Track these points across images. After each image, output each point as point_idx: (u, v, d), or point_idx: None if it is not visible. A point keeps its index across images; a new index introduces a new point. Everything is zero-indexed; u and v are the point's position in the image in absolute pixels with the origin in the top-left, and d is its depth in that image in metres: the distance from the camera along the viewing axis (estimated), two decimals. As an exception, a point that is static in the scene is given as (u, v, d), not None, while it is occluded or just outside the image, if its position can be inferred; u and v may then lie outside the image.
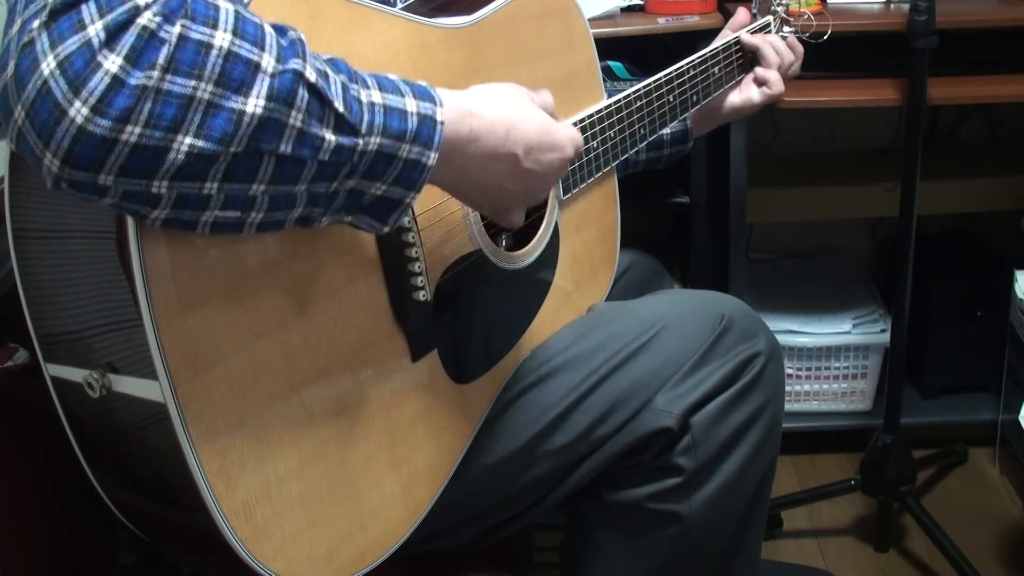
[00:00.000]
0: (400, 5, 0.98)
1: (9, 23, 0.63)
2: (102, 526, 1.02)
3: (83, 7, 0.61)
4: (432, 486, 0.98)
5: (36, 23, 0.61)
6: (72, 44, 0.60)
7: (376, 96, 0.74)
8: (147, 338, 0.71)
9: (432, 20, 0.96)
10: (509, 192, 0.89)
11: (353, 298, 0.87)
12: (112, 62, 0.60)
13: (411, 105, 0.76)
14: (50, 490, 1.03)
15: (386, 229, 0.80)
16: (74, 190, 0.63)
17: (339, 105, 0.70)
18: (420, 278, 0.94)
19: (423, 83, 0.79)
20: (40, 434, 0.96)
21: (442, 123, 0.77)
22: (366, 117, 0.72)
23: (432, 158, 0.77)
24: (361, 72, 0.75)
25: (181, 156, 0.63)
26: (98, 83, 0.60)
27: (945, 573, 1.74)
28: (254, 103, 0.65)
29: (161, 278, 0.71)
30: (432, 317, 0.96)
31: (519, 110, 0.88)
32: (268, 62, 0.66)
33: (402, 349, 0.93)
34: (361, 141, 0.72)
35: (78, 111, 0.60)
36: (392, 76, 0.77)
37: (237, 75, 0.65)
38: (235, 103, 0.65)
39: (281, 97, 0.66)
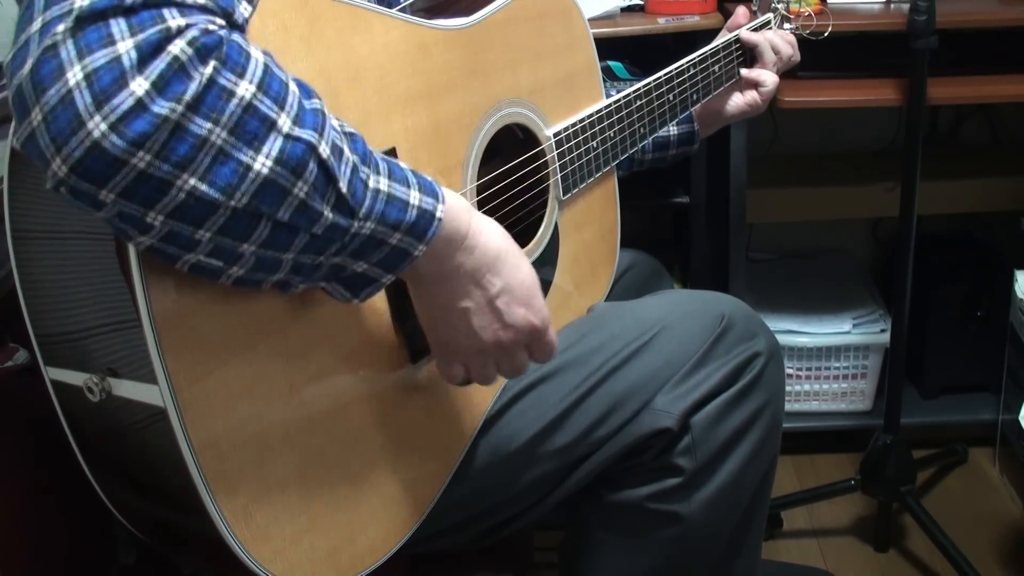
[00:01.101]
0: (398, 7, 0.98)
1: (27, 20, 0.63)
2: (102, 525, 1.02)
3: (112, 21, 0.61)
4: (432, 487, 0.98)
5: (61, 27, 0.61)
6: (101, 58, 0.60)
7: (383, 184, 0.75)
8: (147, 342, 0.71)
9: (431, 22, 0.96)
10: (467, 326, 0.86)
11: (353, 300, 0.87)
12: (139, 85, 0.61)
13: (414, 198, 0.77)
14: (50, 489, 1.03)
15: (356, 302, 0.81)
16: (72, 197, 0.63)
17: (343, 186, 0.71)
18: (420, 279, 0.93)
19: (430, 178, 0.80)
20: (40, 434, 0.96)
21: (440, 220, 0.79)
22: (367, 203, 0.73)
23: (420, 250, 0.79)
24: (375, 154, 0.76)
25: (182, 195, 0.64)
26: (122, 102, 0.60)
27: (945, 573, 1.75)
28: (262, 161, 0.66)
29: (160, 282, 0.71)
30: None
31: (514, 251, 0.88)
32: (284, 122, 0.67)
33: (401, 351, 0.93)
34: (356, 224, 0.73)
35: (96, 125, 0.60)
36: (403, 165, 0.79)
37: (251, 128, 0.65)
38: (244, 155, 0.65)
39: (290, 165, 0.67)
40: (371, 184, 0.74)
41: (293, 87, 0.69)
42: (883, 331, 2.01)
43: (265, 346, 0.79)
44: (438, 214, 0.79)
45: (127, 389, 0.76)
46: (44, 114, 0.60)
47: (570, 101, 1.16)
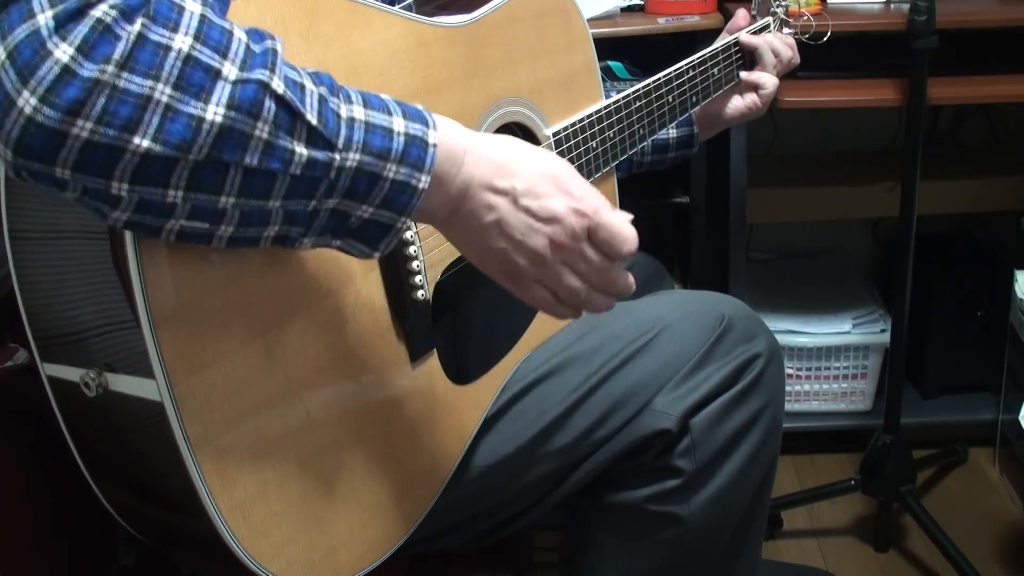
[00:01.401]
0: (399, 4, 0.98)
1: None
2: (102, 526, 1.02)
3: None
4: (431, 487, 0.98)
5: None
6: (21, 33, 0.59)
7: (358, 112, 0.72)
8: (144, 337, 0.71)
9: (431, 19, 0.96)
10: (508, 239, 0.79)
11: (351, 298, 0.87)
12: (63, 51, 0.59)
13: (398, 125, 0.73)
14: (50, 490, 1.03)
15: (377, 255, 0.77)
16: (35, 181, 0.62)
17: (311, 118, 0.68)
18: (419, 277, 0.93)
19: (419, 106, 0.76)
20: (40, 434, 0.96)
21: (434, 145, 0.74)
22: (343, 132, 0.70)
23: (424, 181, 0.74)
24: (348, 88, 0.73)
25: (136, 158, 0.62)
26: (47, 72, 0.59)
27: (945, 573, 1.74)
28: (213, 110, 0.64)
29: (158, 277, 0.71)
30: (431, 317, 0.96)
31: (527, 150, 0.81)
32: (229, 69, 0.65)
33: (401, 349, 0.93)
34: (338, 156, 0.70)
35: (26, 101, 0.59)
36: (384, 96, 0.75)
37: (196, 80, 0.63)
38: (193, 108, 0.63)
39: (244, 107, 0.65)
40: (343, 113, 0.71)
41: (239, 34, 0.66)
42: (883, 331, 2.01)
43: (263, 342, 0.79)
44: (431, 139, 0.74)
45: (124, 384, 0.76)
46: None
47: (569, 101, 1.16)
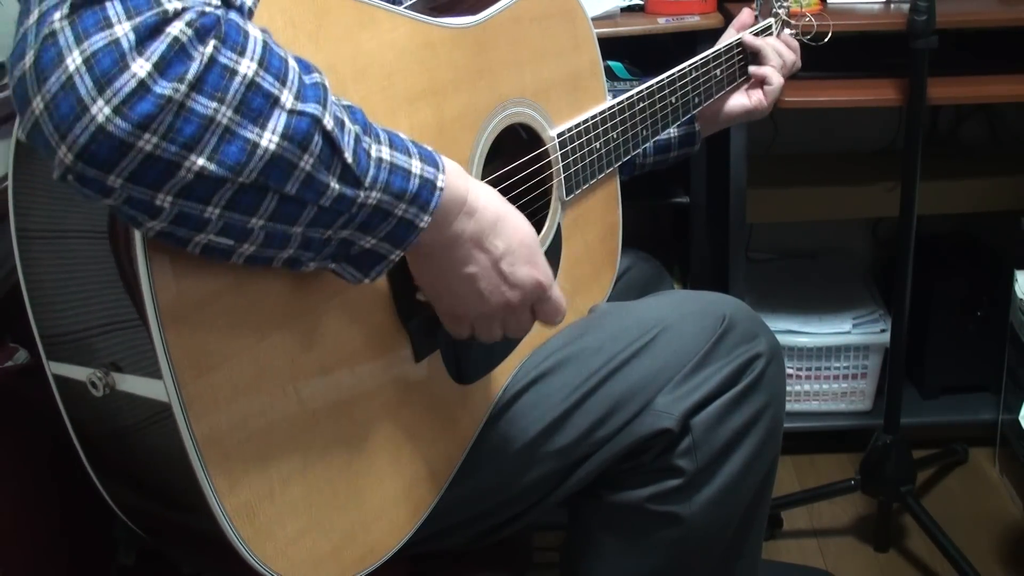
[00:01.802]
0: (406, 4, 0.98)
1: (25, 14, 0.63)
2: (102, 526, 1.02)
3: (108, 4, 0.61)
4: (434, 487, 0.98)
5: (58, 15, 0.61)
6: (99, 41, 0.60)
7: (385, 153, 0.75)
8: (152, 337, 0.71)
9: (438, 19, 0.96)
10: (474, 290, 0.87)
11: (356, 298, 0.87)
12: (140, 67, 0.61)
13: (416, 167, 0.77)
14: (50, 490, 1.03)
15: (367, 281, 0.81)
16: (80, 185, 0.63)
17: (348, 156, 0.71)
18: (423, 278, 0.94)
19: (429, 148, 0.80)
20: (40, 434, 0.96)
21: (441, 189, 0.79)
22: (371, 172, 0.74)
23: (425, 221, 0.79)
24: (375, 125, 0.76)
25: (191, 176, 0.64)
26: (124, 85, 0.60)
27: (945, 573, 1.75)
28: (268, 137, 0.66)
29: (166, 277, 0.71)
30: (435, 317, 0.96)
31: (512, 212, 0.89)
32: (287, 97, 0.67)
33: (405, 349, 0.93)
34: (363, 194, 0.73)
35: (100, 109, 0.60)
36: (402, 135, 0.79)
37: (256, 105, 0.65)
38: (250, 133, 0.65)
39: (296, 139, 0.67)
40: (374, 153, 0.74)
41: (292, 63, 0.69)
42: (883, 331, 2.01)
43: (269, 342, 0.79)
44: (439, 183, 0.79)
45: (131, 384, 0.76)
46: (46, 102, 0.60)
47: (574, 102, 1.16)
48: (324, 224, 0.73)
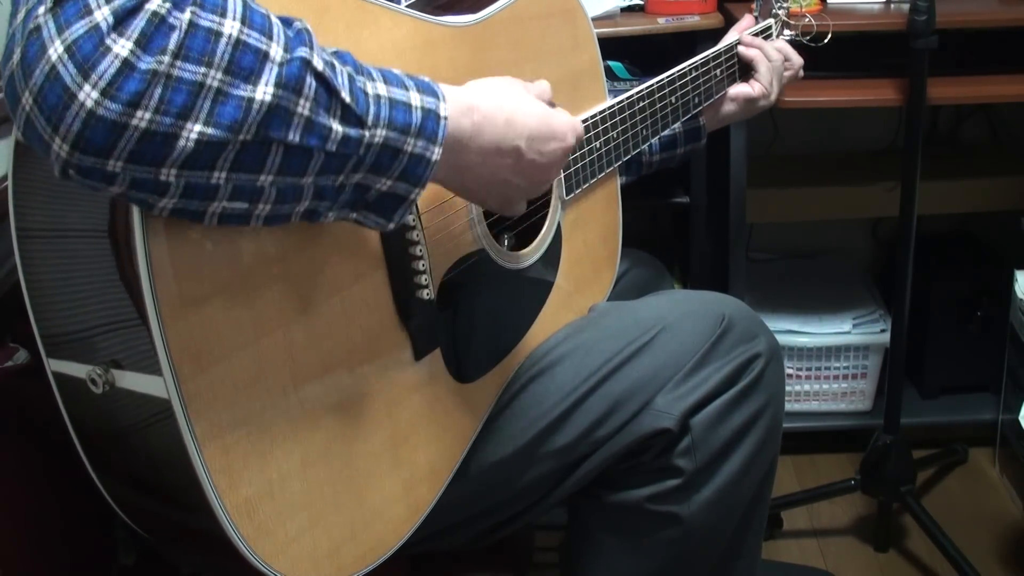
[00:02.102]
0: (406, 3, 0.98)
1: (13, 15, 0.63)
2: (102, 526, 1.02)
3: None
4: (433, 485, 0.98)
5: (41, 9, 0.61)
6: (79, 28, 0.60)
7: (382, 89, 0.74)
8: (152, 334, 0.71)
9: (438, 18, 0.96)
10: (513, 186, 0.89)
11: (357, 296, 0.87)
12: (122, 46, 0.61)
13: (415, 99, 0.76)
14: (50, 490, 1.03)
15: (391, 226, 0.80)
16: (82, 176, 0.63)
17: (346, 95, 0.71)
18: (424, 276, 0.94)
19: (426, 78, 0.79)
20: (40, 434, 0.96)
21: (445, 118, 0.78)
22: (372, 109, 0.73)
23: (436, 153, 0.77)
24: (366, 65, 0.75)
25: (191, 144, 0.63)
26: (108, 67, 0.60)
27: (945, 573, 1.75)
28: (263, 91, 0.66)
29: (166, 274, 0.71)
30: (435, 316, 0.96)
31: (518, 102, 0.88)
32: (276, 51, 0.67)
33: (405, 348, 0.93)
34: (367, 133, 0.72)
35: (88, 95, 0.60)
36: (396, 70, 0.78)
37: (246, 63, 0.65)
38: (244, 91, 0.65)
39: (290, 85, 0.67)
40: (370, 90, 0.73)
41: (274, 18, 0.69)
42: (883, 331, 2.01)
43: (269, 340, 0.79)
44: (442, 113, 0.78)
45: (131, 381, 0.76)
46: (34, 95, 0.60)
47: (574, 101, 1.16)
48: (334, 170, 0.72)
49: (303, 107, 0.68)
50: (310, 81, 0.68)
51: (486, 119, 0.84)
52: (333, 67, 0.71)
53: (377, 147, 0.74)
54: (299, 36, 0.69)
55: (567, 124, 0.93)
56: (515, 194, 0.91)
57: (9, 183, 0.80)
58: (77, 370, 0.80)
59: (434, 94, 0.78)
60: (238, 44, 0.65)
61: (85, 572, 1.07)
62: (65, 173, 0.63)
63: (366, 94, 0.73)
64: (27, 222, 0.80)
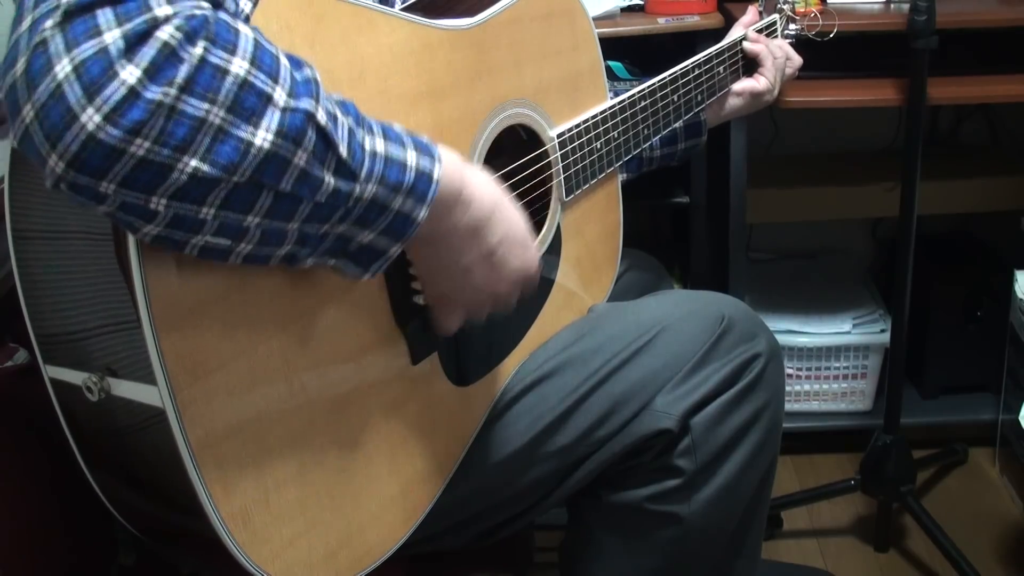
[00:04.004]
0: (400, 6, 0.98)
1: (17, 20, 0.62)
2: (102, 526, 1.02)
3: (99, 12, 0.61)
4: (430, 488, 0.98)
5: (49, 23, 0.60)
6: (88, 49, 0.60)
7: (380, 145, 0.75)
8: (146, 343, 0.71)
9: (436, 22, 0.95)
10: (468, 281, 0.88)
11: (353, 301, 0.87)
12: (130, 73, 0.60)
13: (411, 159, 0.76)
14: (50, 490, 1.03)
15: (367, 276, 0.80)
16: (73, 193, 0.63)
17: (343, 150, 0.71)
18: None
19: (425, 138, 0.80)
20: (40, 434, 0.96)
21: (438, 181, 0.78)
22: (366, 164, 0.73)
23: (423, 214, 0.78)
24: (368, 118, 0.76)
25: (185, 177, 0.63)
26: (113, 92, 0.60)
27: (945, 573, 1.75)
28: (263, 136, 0.65)
29: (161, 282, 0.71)
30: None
31: (507, 202, 0.89)
32: (280, 95, 0.67)
33: (402, 352, 0.93)
34: (358, 187, 0.73)
35: (90, 118, 0.60)
36: (397, 126, 0.78)
37: (250, 104, 0.65)
38: (244, 132, 0.65)
39: (290, 135, 0.67)
40: (368, 146, 0.73)
41: (284, 59, 0.68)
42: (883, 331, 2.01)
43: (265, 347, 0.79)
44: (435, 175, 0.78)
45: (126, 389, 0.76)
46: (36, 110, 0.60)
47: (574, 102, 1.16)
48: (320, 219, 0.73)
49: (300, 158, 0.68)
50: (311, 135, 0.68)
51: (475, 198, 0.84)
52: (335, 119, 0.71)
53: (366, 202, 0.74)
54: (307, 84, 0.69)
55: (538, 258, 0.93)
56: (463, 293, 0.89)
57: (5, 184, 0.80)
58: (73, 377, 0.80)
59: (431, 156, 0.78)
60: (244, 84, 0.65)
61: (85, 572, 1.07)
62: (56, 187, 0.63)
63: (363, 149, 0.73)
64: (24, 224, 0.80)
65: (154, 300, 0.70)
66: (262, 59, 0.66)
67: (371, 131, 0.75)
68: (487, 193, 0.86)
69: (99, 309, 0.76)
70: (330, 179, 0.70)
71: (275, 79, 0.67)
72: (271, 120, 0.66)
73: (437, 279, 0.89)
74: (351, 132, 0.72)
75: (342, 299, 0.86)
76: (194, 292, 0.73)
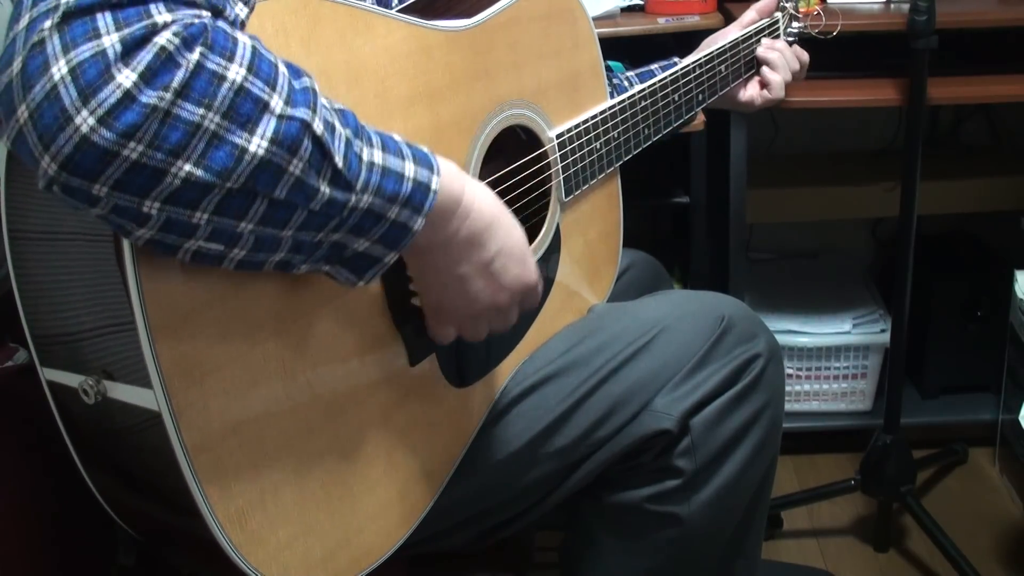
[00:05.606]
0: (396, 8, 0.98)
1: (15, 18, 0.62)
2: (101, 526, 1.02)
3: (99, 15, 0.61)
4: (429, 490, 0.98)
5: (47, 23, 0.60)
6: (85, 51, 0.60)
7: (377, 156, 0.75)
8: (141, 346, 0.70)
9: (433, 23, 0.95)
10: (464, 291, 0.87)
11: (351, 303, 0.87)
12: (126, 77, 0.60)
13: (409, 170, 0.76)
14: (50, 490, 1.03)
15: (361, 283, 0.80)
16: (66, 195, 0.63)
17: (339, 160, 0.71)
18: (419, 281, 0.93)
19: (425, 149, 0.80)
20: (40, 434, 0.96)
21: (436, 192, 0.78)
22: (363, 175, 0.73)
23: (419, 223, 0.78)
24: (367, 128, 0.76)
25: (178, 181, 0.63)
26: (109, 95, 0.60)
27: (945, 573, 1.74)
28: (257, 143, 0.65)
29: (156, 285, 0.71)
30: (431, 321, 0.96)
31: (505, 212, 0.88)
32: (277, 103, 0.67)
33: (400, 353, 0.93)
34: (354, 197, 0.73)
35: (84, 120, 0.60)
36: (397, 137, 0.78)
37: (245, 111, 0.65)
38: (239, 138, 0.65)
39: (285, 144, 0.67)
40: (365, 157, 0.73)
41: (282, 67, 0.68)
42: (883, 331, 2.01)
43: (261, 349, 0.79)
44: (433, 186, 0.78)
45: (122, 392, 0.76)
46: (30, 111, 0.60)
47: (574, 102, 1.15)
48: (315, 227, 0.73)
49: (295, 167, 0.68)
50: (307, 144, 0.68)
51: (474, 209, 0.84)
52: (332, 129, 0.71)
53: (361, 211, 0.74)
54: (304, 93, 0.69)
55: (536, 268, 0.92)
56: (459, 303, 0.88)
57: (2, 185, 0.80)
58: (69, 380, 0.80)
59: (430, 167, 0.78)
60: (240, 90, 0.65)
61: (85, 572, 1.07)
62: (49, 188, 0.63)
63: (360, 160, 0.73)
64: (20, 224, 0.80)
65: (150, 304, 0.70)
66: (260, 66, 0.66)
67: (369, 142, 0.75)
68: (486, 204, 0.85)
69: (95, 311, 0.76)
70: (325, 189, 0.70)
71: (272, 87, 0.67)
72: (266, 127, 0.66)
73: (433, 287, 0.88)
74: (348, 142, 0.72)
75: (339, 301, 0.86)
76: (190, 295, 0.73)
